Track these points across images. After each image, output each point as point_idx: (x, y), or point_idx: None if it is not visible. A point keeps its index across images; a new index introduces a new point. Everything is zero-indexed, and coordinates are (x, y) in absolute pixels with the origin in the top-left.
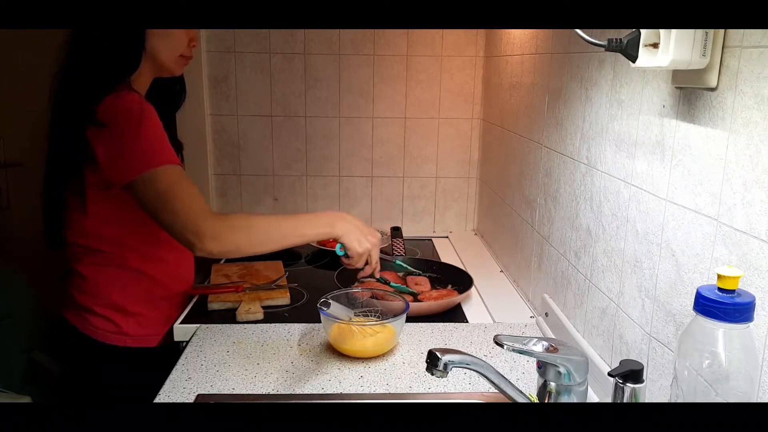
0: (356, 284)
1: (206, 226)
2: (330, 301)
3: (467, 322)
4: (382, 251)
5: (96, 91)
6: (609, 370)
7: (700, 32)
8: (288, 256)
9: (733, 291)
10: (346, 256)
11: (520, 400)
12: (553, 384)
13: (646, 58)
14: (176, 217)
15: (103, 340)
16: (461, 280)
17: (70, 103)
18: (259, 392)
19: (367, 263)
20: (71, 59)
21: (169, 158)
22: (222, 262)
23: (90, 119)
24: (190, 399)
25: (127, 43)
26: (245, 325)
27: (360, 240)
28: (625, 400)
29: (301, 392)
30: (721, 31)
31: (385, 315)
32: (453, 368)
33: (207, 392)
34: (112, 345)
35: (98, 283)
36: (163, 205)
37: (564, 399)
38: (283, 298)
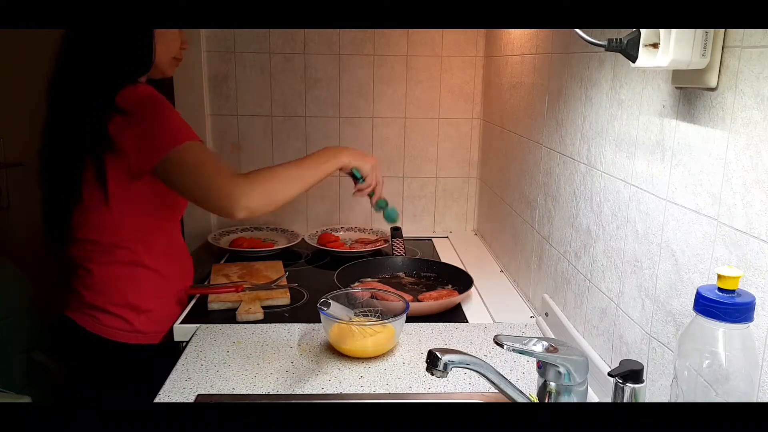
0: (357, 284)
1: (239, 186)
2: (330, 301)
3: (467, 322)
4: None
5: (113, 85)
6: (609, 370)
7: (700, 32)
8: (288, 256)
9: (733, 291)
10: (361, 180)
11: (520, 400)
12: (553, 384)
13: (646, 58)
14: (212, 185)
15: (115, 339)
16: (461, 280)
17: (86, 97)
18: (259, 392)
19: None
20: (75, 60)
21: (192, 135)
22: (223, 261)
23: (111, 109)
24: (190, 399)
25: (138, 47)
26: (245, 325)
27: (365, 160)
28: (625, 400)
29: (301, 392)
30: (721, 31)
31: (385, 315)
32: (453, 368)
33: (207, 392)
34: (124, 343)
35: (110, 281)
36: (195, 177)
37: (564, 399)
38: (283, 298)
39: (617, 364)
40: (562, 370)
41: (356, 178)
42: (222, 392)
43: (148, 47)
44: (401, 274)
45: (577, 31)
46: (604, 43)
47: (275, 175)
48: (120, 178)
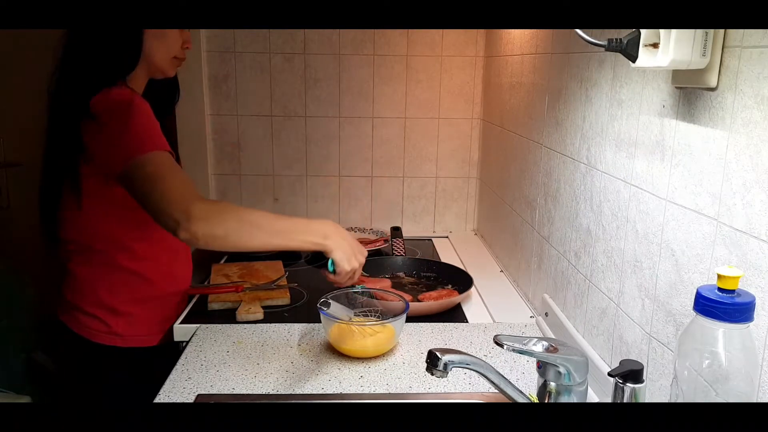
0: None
1: (196, 206)
2: (330, 301)
3: (467, 322)
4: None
5: (91, 87)
6: (609, 370)
7: (700, 32)
8: (288, 256)
9: (733, 291)
10: (334, 272)
11: (520, 400)
12: (553, 384)
13: (646, 58)
14: (165, 197)
15: (94, 340)
16: (461, 280)
17: (65, 99)
18: (259, 392)
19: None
20: (69, 59)
21: (159, 145)
22: (223, 261)
23: (83, 113)
24: (190, 399)
25: (126, 44)
26: (245, 325)
27: (350, 259)
28: (625, 400)
29: (301, 392)
30: (721, 31)
31: (385, 315)
32: (453, 368)
33: (207, 392)
34: (104, 344)
35: (88, 282)
36: (152, 187)
37: (564, 399)
38: (283, 298)
39: (617, 364)
40: (562, 370)
41: (329, 269)
42: (222, 392)
43: (133, 50)
44: (401, 274)
45: (577, 31)
46: (604, 43)
47: (243, 216)
48: (94, 183)
